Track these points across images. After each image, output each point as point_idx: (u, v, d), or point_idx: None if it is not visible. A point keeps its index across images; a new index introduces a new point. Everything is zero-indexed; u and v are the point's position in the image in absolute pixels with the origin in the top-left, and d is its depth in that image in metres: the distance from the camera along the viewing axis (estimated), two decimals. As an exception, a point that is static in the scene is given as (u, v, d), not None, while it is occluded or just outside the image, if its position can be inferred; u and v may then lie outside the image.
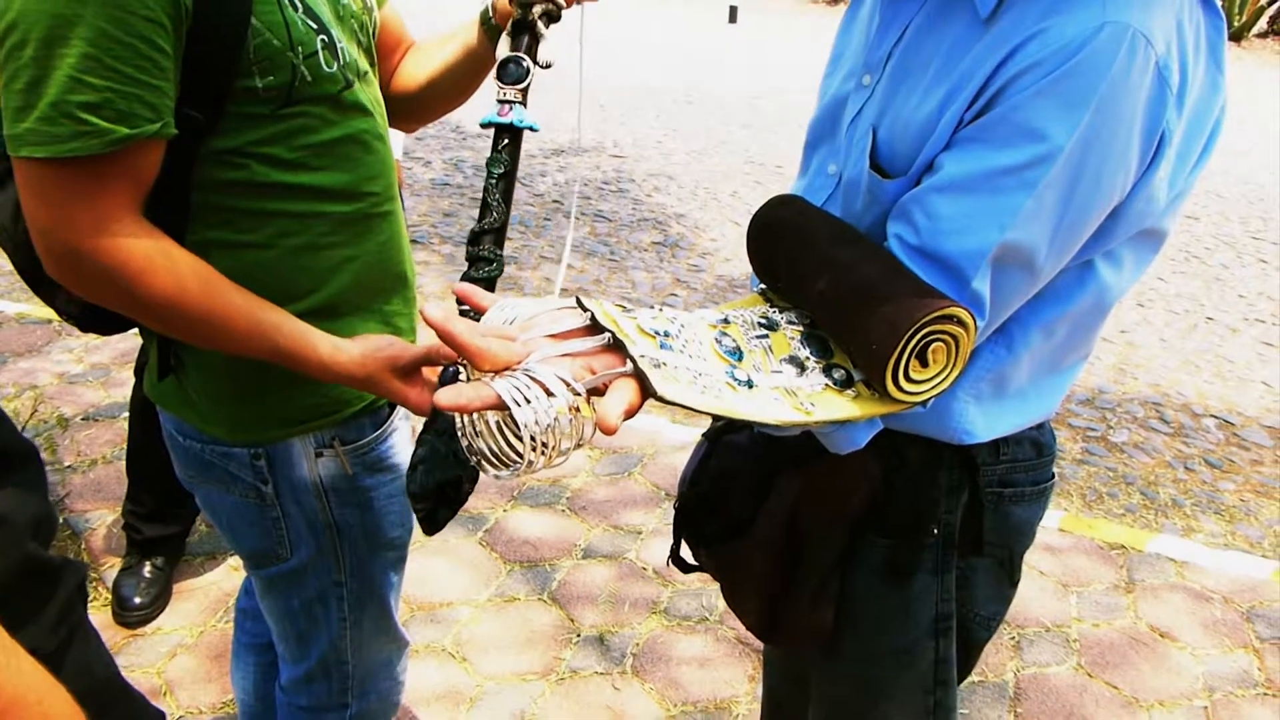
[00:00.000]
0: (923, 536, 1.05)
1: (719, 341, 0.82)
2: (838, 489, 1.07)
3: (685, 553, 1.24)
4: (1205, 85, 0.87)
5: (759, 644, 2.23)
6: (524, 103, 1.04)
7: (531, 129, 1.12)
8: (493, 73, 1.18)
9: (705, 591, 2.40)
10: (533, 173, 5.78)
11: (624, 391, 0.72)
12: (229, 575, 2.38)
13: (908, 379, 0.81)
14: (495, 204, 1.09)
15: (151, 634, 2.20)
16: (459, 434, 0.76)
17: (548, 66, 1.05)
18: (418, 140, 6.23)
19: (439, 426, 1.11)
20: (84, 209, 0.96)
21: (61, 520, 2.54)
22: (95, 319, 1.16)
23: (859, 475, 1.05)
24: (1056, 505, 2.86)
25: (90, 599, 2.27)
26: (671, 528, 1.24)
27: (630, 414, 0.71)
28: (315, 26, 1.05)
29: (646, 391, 0.72)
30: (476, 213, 1.16)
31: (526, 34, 1.08)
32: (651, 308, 0.83)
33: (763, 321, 0.87)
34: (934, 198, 0.85)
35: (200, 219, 1.06)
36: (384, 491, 1.27)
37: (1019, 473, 1.06)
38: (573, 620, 2.30)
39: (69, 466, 2.76)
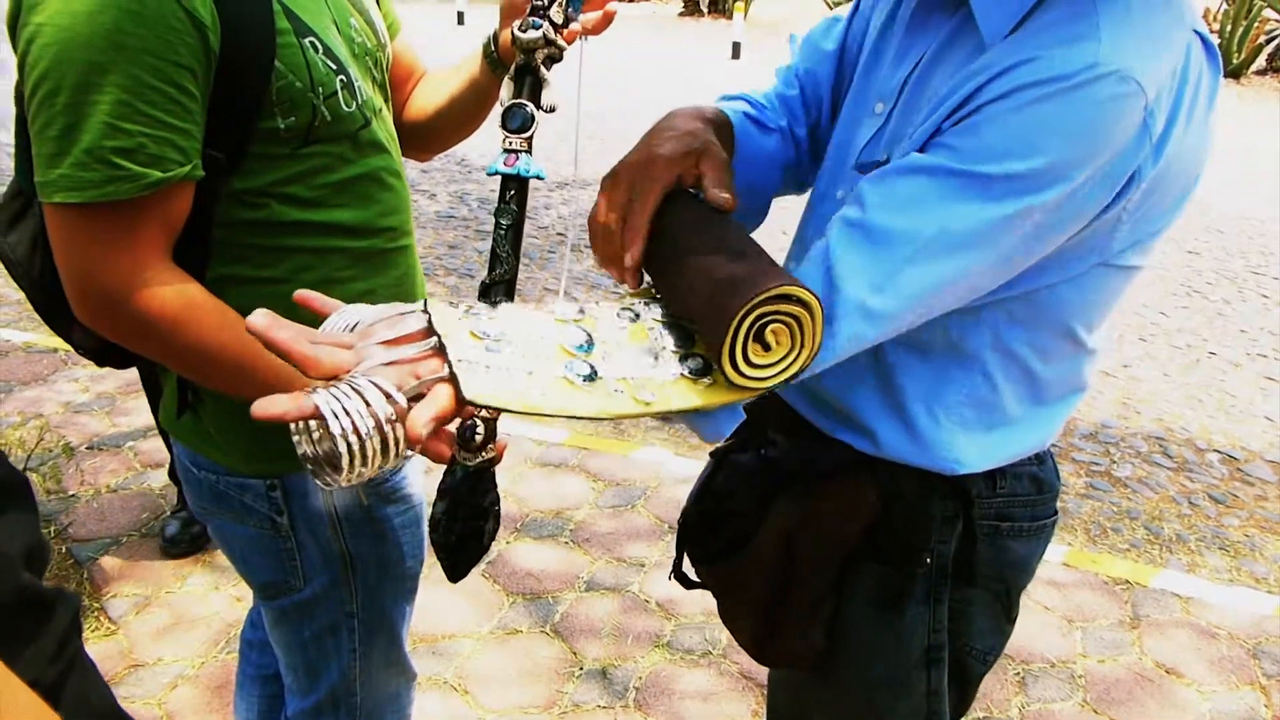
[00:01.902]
0: (915, 565, 1.05)
1: (564, 334, 0.79)
2: (835, 515, 1.07)
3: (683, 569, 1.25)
4: (1198, 134, 0.87)
5: (763, 678, 2.22)
6: (529, 150, 1.05)
7: (539, 177, 1.13)
8: (497, 118, 1.18)
9: (709, 625, 2.39)
10: (537, 206, 5.82)
11: (437, 398, 0.70)
12: (231, 606, 2.38)
13: (748, 363, 0.78)
14: (505, 256, 1.09)
15: (153, 665, 2.19)
16: (294, 438, 0.74)
17: (551, 110, 1.06)
18: (423, 173, 6.28)
19: (459, 475, 1.12)
20: (119, 254, 0.97)
21: (64, 549, 2.54)
22: (111, 353, 1.17)
23: (857, 503, 1.06)
24: (1060, 540, 2.85)
25: (94, 629, 2.27)
26: (675, 549, 1.26)
27: (442, 419, 0.70)
28: (335, 67, 1.07)
29: (459, 396, 0.71)
30: (481, 245, 1.17)
31: (529, 77, 1.09)
32: (496, 304, 0.82)
33: (627, 311, 0.85)
34: (893, 178, 0.85)
35: (219, 255, 1.07)
36: (398, 522, 1.27)
37: (1017, 507, 1.06)
38: (575, 653, 2.29)
39: (73, 495, 2.76)
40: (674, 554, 1.28)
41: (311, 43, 1.04)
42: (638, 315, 0.85)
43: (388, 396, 0.69)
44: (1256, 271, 5.44)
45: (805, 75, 1.15)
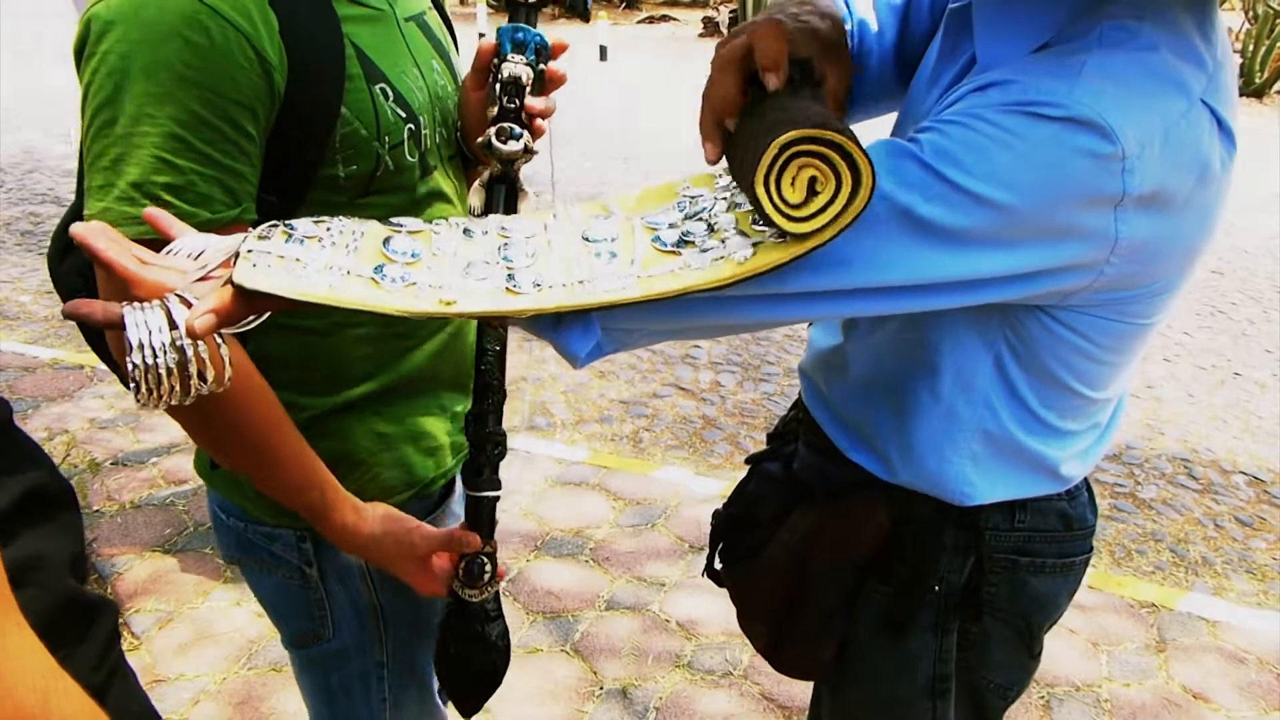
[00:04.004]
0: (921, 591, 1.05)
1: (387, 242, 0.77)
2: (844, 531, 1.08)
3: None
4: (1200, 213, 0.83)
5: (784, 700, 2.21)
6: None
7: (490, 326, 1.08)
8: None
9: (730, 645, 2.38)
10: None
11: (218, 292, 0.68)
12: (253, 622, 2.39)
13: (786, 204, 0.72)
14: (494, 383, 1.06)
15: (175, 680, 2.20)
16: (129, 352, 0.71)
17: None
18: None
19: (464, 618, 1.10)
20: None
21: (88, 564, 2.56)
22: None
23: (866, 521, 1.06)
24: (1085, 562, 2.82)
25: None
26: (701, 569, 1.27)
27: (221, 313, 0.68)
28: (404, 115, 1.02)
29: (241, 288, 0.69)
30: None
31: (504, 187, 1.01)
32: (337, 222, 0.78)
33: (467, 227, 0.83)
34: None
35: None
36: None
37: (1040, 543, 1.04)
38: (595, 673, 2.28)
39: (97, 511, 2.79)
40: (694, 573, 1.29)
41: (382, 89, 1.00)
42: (471, 233, 0.81)
43: (191, 309, 0.68)
44: (1282, 292, 5.39)
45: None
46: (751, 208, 0.79)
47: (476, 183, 1.03)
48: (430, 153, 1.08)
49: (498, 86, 1.02)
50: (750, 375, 3.95)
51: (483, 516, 1.09)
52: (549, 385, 3.74)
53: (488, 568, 1.08)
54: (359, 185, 1.01)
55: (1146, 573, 2.81)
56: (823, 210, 0.72)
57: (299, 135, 0.95)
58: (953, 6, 0.93)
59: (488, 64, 1.04)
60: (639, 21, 15.15)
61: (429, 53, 1.11)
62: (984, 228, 0.77)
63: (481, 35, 12.11)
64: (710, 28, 14.16)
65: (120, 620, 2.36)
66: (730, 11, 14.22)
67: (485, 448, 1.08)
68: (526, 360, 3.86)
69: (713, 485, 3.09)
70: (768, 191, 0.72)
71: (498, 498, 1.09)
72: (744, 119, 0.83)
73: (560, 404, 3.62)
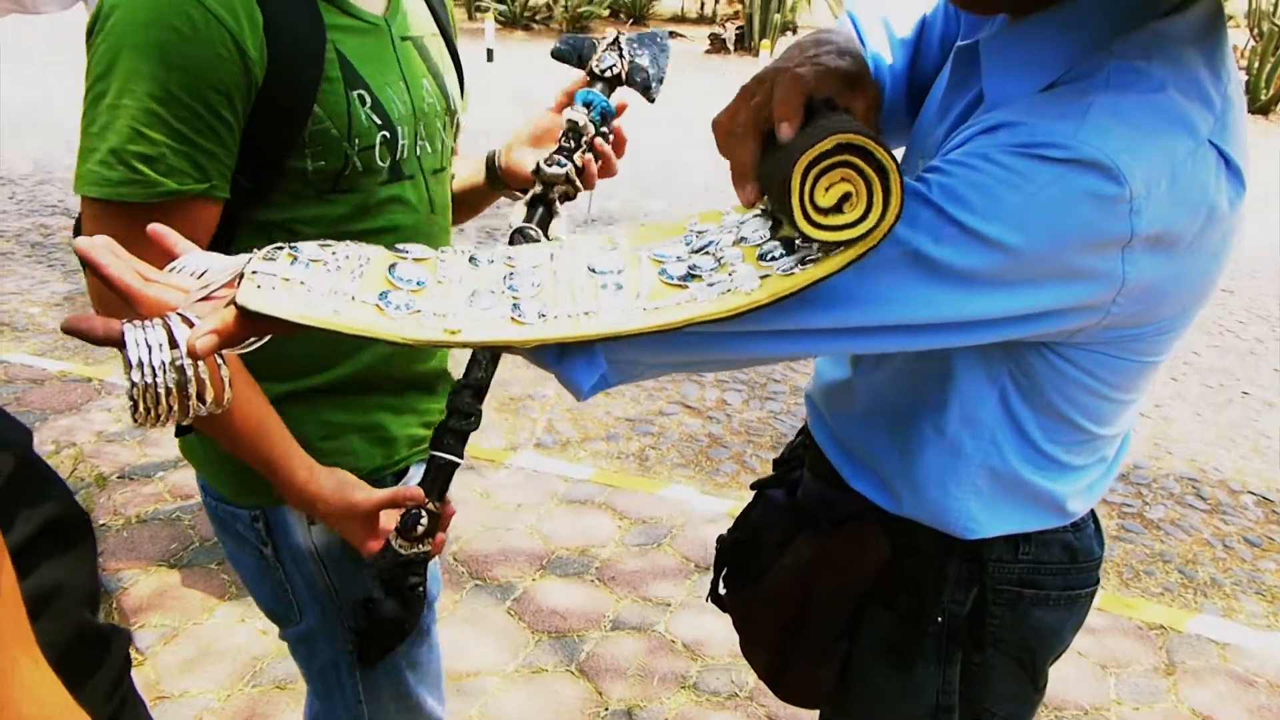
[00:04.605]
0: (925, 623, 1.04)
1: (393, 269, 0.77)
2: (846, 558, 1.08)
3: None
4: (1207, 255, 0.83)
5: (790, 722, 2.19)
6: None
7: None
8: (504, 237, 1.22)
9: (735, 666, 2.36)
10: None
11: (220, 313, 0.68)
12: (257, 639, 2.38)
13: (820, 212, 0.72)
14: (484, 363, 1.14)
15: (179, 697, 2.20)
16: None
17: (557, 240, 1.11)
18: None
19: (386, 562, 1.13)
20: (134, 253, 0.99)
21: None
22: None
23: (868, 549, 1.06)
24: (1093, 583, 2.80)
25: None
26: (707, 590, 1.28)
27: (223, 334, 0.68)
28: (380, 122, 1.09)
29: (244, 309, 0.68)
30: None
31: (542, 207, 1.14)
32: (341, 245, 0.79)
33: (469, 255, 0.83)
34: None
35: None
36: None
37: (1044, 575, 1.03)
38: (601, 693, 2.27)
39: (103, 525, 2.79)
40: (700, 594, 1.30)
41: (360, 95, 1.07)
42: (476, 261, 0.81)
43: (193, 328, 0.67)
44: (1290, 310, 5.38)
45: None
46: (758, 241, 0.80)
47: (520, 202, 1.15)
48: (407, 161, 1.14)
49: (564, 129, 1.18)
50: (756, 393, 3.95)
51: (432, 476, 1.13)
52: (555, 403, 3.74)
53: (423, 521, 1.11)
54: (327, 180, 1.07)
55: (1155, 594, 2.79)
56: (854, 224, 0.71)
57: (271, 126, 1.02)
58: (961, 44, 0.92)
59: (559, 110, 1.22)
60: (646, 37, 15.23)
61: (421, 72, 1.18)
62: (992, 269, 0.77)
63: (490, 50, 12.17)
64: (717, 44, 14.21)
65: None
66: (737, 28, 14.28)
67: (454, 415, 1.14)
68: (532, 378, 3.86)
69: (718, 504, 3.09)
70: (801, 201, 0.71)
71: (454, 464, 1.13)
72: (774, 150, 0.82)
73: (566, 421, 3.62)
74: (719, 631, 2.45)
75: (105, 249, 0.70)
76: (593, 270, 0.81)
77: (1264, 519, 3.26)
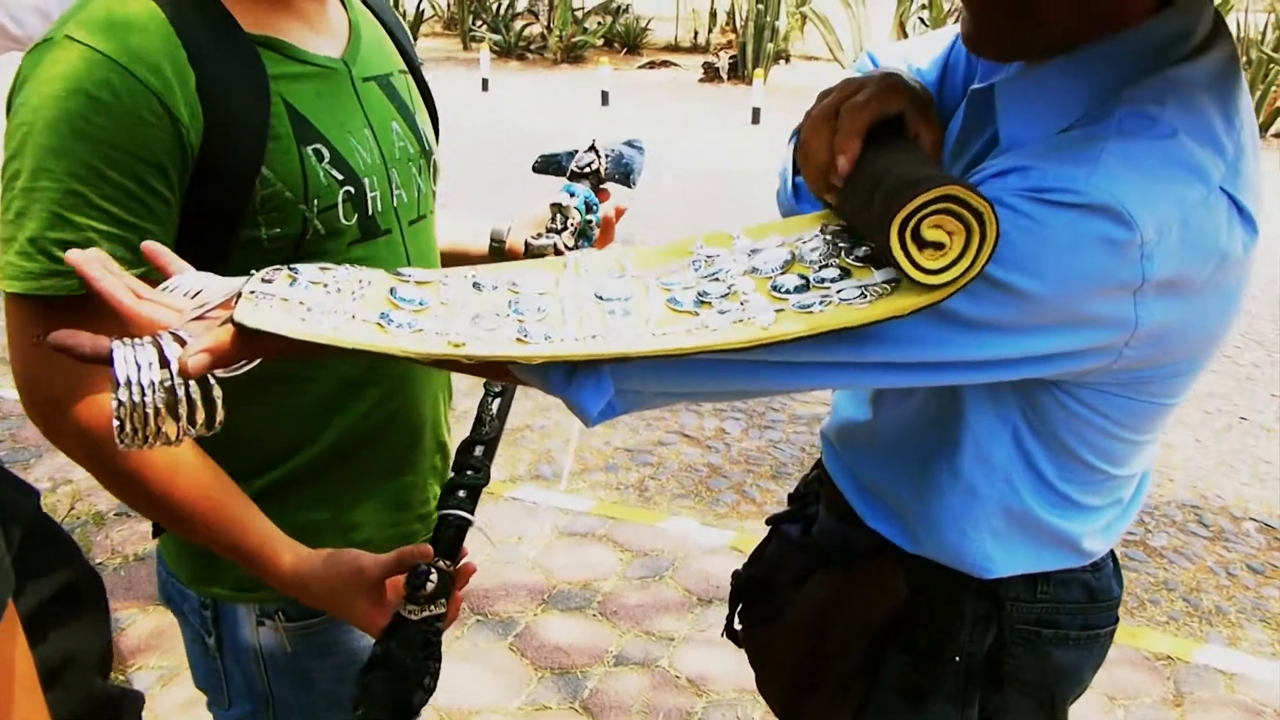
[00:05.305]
0: (942, 663, 1.03)
1: (394, 291, 0.76)
2: (863, 597, 1.07)
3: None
4: (1229, 287, 0.83)
5: (796, 758, 2.17)
6: None
7: (496, 379, 1.10)
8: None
9: (741, 702, 2.34)
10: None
11: (215, 330, 0.67)
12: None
13: (920, 253, 0.72)
14: (490, 419, 1.10)
15: (178, 740, 2.17)
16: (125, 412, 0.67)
17: None
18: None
19: (401, 636, 1.01)
20: (63, 357, 0.88)
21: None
22: None
23: (884, 588, 1.05)
24: (1097, 613, 2.79)
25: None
26: (709, 623, 1.26)
27: (217, 353, 0.66)
28: (341, 178, 0.99)
29: (242, 328, 0.67)
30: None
31: None
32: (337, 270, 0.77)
33: (472, 280, 0.82)
34: None
35: None
36: (330, 675, 1.14)
37: (1063, 614, 1.03)
38: (605, 731, 2.25)
39: (100, 564, 2.76)
40: (703, 627, 1.29)
41: (316, 150, 0.97)
42: (480, 286, 0.80)
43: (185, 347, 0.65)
44: (1285, 335, 5.40)
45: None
46: (769, 273, 0.79)
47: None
48: (383, 215, 1.05)
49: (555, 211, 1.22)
50: (755, 423, 3.94)
51: (443, 535, 1.04)
52: (553, 434, 3.73)
53: (433, 577, 0.99)
54: (286, 248, 0.97)
55: (1160, 623, 2.78)
56: (952, 265, 0.72)
57: (216, 195, 0.93)
58: (975, 87, 0.93)
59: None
60: (640, 67, 15.32)
61: (389, 114, 1.08)
62: (1004, 313, 0.77)
63: (485, 80, 12.24)
64: (710, 73, 14.31)
65: (124, 679, 2.33)
66: (730, 58, 14.39)
67: (462, 471, 1.08)
68: (530, 408, 3.85)
69: (720, 536, 3.07)
70: (902, 243, 0.72)
71: (467, 523, 1.05)
72: (857, 170, 0.83)
73: (565, 453, 3.60)
74: (723, 667, 2.43)
75: (98, 262, 0.68)
76: (600, 298, 0.80)
77: (1266, 546, 3.25)
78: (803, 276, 0.78)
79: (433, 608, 1.00)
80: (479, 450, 1.08)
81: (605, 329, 0.76)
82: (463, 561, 1.05)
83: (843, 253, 0.80)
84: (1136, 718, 2.38)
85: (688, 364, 0.77)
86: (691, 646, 2.53)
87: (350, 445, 1.08)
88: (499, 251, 1.29)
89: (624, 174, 1.29)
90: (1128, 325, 0.79)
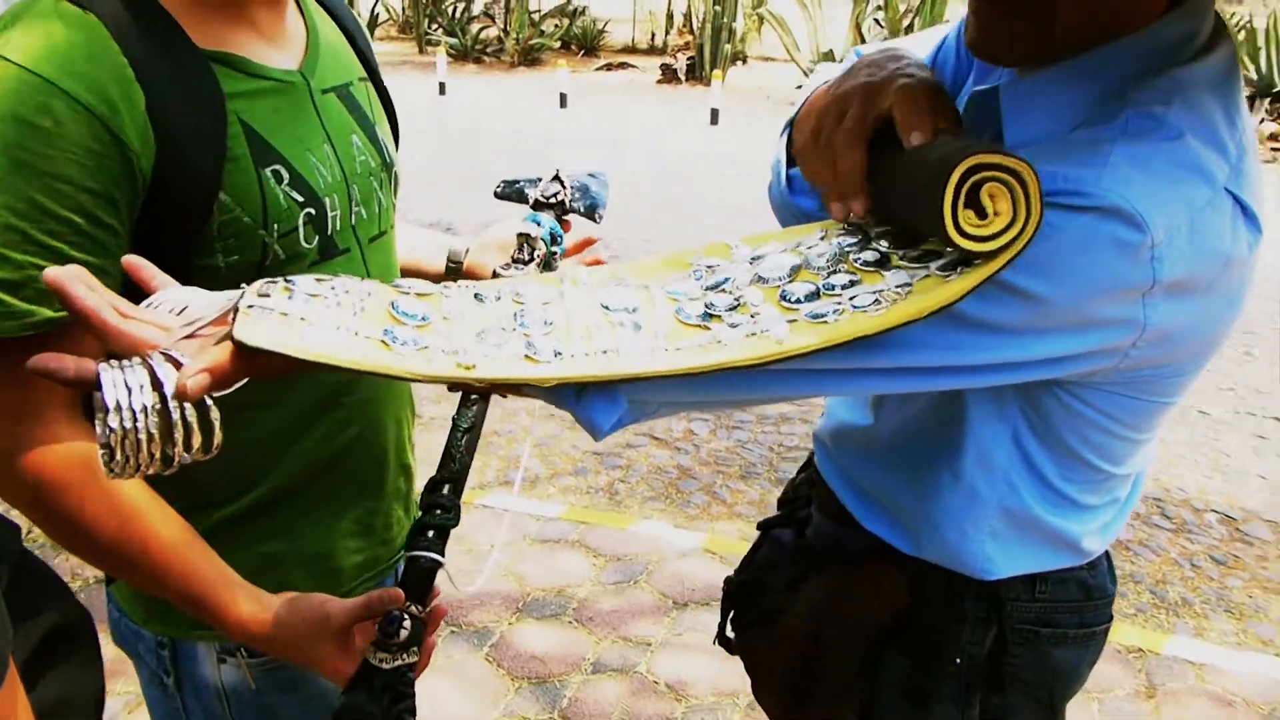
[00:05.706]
0: (943, 665, 1.03)
1: (395, 305, 0.74)
2: (862, 600, 1.06)
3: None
4: (1233, 288, 0.83)
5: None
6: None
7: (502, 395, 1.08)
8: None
9: (720, 706, 2.33)
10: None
11: (212, 349, 0.64)
12: (226, 698, 2.30)
13: (970, 224, 0.72)
14: (459, 455, 1.02)
15: (145, 763, 2.11)
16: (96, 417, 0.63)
17: None
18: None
19: (370, 686, 0.94)
20: (4, 397, 0.84)
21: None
22: None
23: (884, 590, 1.05)
24: (1068, 607, 2.82)
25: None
26: (686, 627, 1.25)
27: (216, 373, 0.63)
28: (302, 200, 0.95)
29: (241, 346, 0.64)
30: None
31: None
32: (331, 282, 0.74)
33: (475, 292, 0.80)
34: None
35: None
36: (296, 711, 1.10)
37: (1061, 613, 1.03)
38: (584, 740, 2.23)
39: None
40: (679, 631, 1.28)
41: (275, 171, 0.92)
42: (482, 297, 0.78)
43: (180, 369, 0.62)
44: (1240, 330, 5.51)
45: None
46: (776, 282, 0.78)
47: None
48: (341, 234, 1.00)
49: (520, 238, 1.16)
50: (722, 423, 3.94)
51: (412, 578, 0.97)
52: (521, 439, 3.69)
53: (405, 623, 0.93)
54: (245, 276, 0.88)
55: (1129, 615, 2.81)
56: (1002, 232, 0.71)
57: (170, 223, 0.86)
58: (978, 89, 0.93)
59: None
60: (598, 69, 15.29)
61: (349, 127, 1.03)
62: (1016, 316, 0.77)
63: (442, 84, 12.16)
64: (668, 74, 14.33)
65: None
66: (688, 59, 14.43)
67: (431, 511, 1.01)
68: (499, 413, 3.81)
69: (692, 538, 3.06)
70: (954, 215, 0.70)
71: (437, 564, 0.98)
72: (888, 164, 0.81)
73: (533, 457, 3.57)
74: (702, 671, 2.42)
75: (79, 279, 0.63)
76: (606, 308, 0.78)
77: (1228, 537, 3.31)
78: (812, 283, 0.77)
79: (405, 656, 0.93)
80: (447, 489, 1.01)
81: (616, 343, 0.74)
82: (433, 604, 0.98)
83: (849, 257, 0.79)
84: (1111, 710, 2.40)
85: (705, 377, 0.75)
86: (669, 651, 2.52)
87: (312, 472, 1.04)
88: (455, 272, 1.25)
89: (589, 208, 1.25)
90: (1137, 327, 0.79)
